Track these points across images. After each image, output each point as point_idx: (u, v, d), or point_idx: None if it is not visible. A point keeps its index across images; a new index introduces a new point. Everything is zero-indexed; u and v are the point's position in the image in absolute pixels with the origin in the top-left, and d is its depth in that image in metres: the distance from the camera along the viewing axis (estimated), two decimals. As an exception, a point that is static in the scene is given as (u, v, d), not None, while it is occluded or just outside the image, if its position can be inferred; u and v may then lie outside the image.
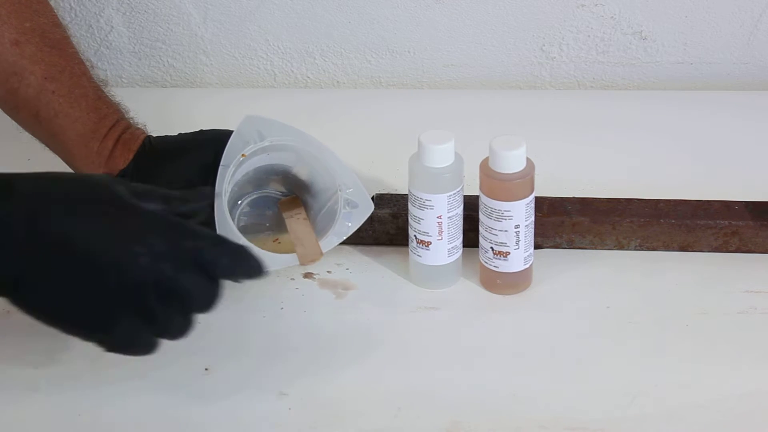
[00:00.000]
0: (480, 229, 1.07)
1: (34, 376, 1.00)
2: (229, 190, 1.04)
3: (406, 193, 1.08)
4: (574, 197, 1.15)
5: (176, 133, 1.14)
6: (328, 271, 1.12)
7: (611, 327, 1.05)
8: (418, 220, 1.07)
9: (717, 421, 0.95)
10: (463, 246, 1.09)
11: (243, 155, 1.04)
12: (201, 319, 1.05)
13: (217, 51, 1.44)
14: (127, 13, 1.42)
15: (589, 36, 1.41)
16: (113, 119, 1.12)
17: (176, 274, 0.86)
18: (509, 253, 1.06)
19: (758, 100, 1.39)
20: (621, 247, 1.14)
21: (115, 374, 1.00)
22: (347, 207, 1.04)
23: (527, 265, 1.08)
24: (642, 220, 1.13)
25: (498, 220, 1.05)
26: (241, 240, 1.01)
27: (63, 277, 0.86)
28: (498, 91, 1.44)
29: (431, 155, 1.04)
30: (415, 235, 1.08)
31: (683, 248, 1.13)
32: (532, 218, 1.06)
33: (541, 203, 1.11)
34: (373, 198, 1.15)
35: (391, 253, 1.13)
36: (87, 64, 1.13)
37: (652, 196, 1.15)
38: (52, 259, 0.85)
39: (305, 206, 1.07)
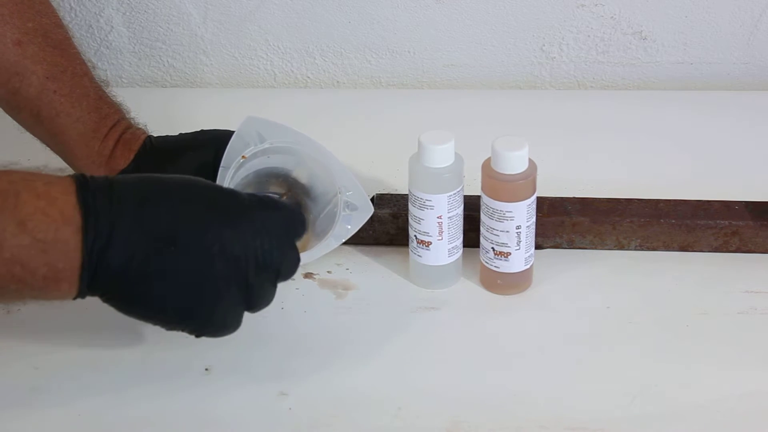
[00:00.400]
0: (481, 229, 1.08)
1: (34, 376, 1.00)
2: None
3: (406, 193, 1.08)
4: (574, 197, 1.15)
5: (177, 134, 1.14)
6: (328, 271, 1.12)
7: (611, 327, 1.05)
8: (419, 220, 1.07)
9: (717, 421, 0.95)
10: (464, 246, 1.09)
11: (243, 157, 1.04)
12: (201, 319, 1.05)
13: (217, 51, 1.44)
14: (127, 13, 1.42)
15: (589, 36, 1.41)
16: (114, 119, 1.12)
17: (272, 245, 0.90)
18: (510, 253, 1.06)
19: (758, 100, 1.40)
20: (621, 247, 1.14)
21: (115, 374, 1.00)
22: (347, 210, 1.04)
23: (528, 266, 1.08)
24: (642, 220, 1.13)
25: (499, 220, 1.05)
26: None
27: (171, 266, 0.87)
28: (498, 91, 1.44)
29: (431, 155, 1.04)
30: (415, 235, 1.08)
31: (683, 248, 1.13)
32: (534, 219, 1.06)
33: (541, 203, 1.11)
34: (373, 198, 1.15)
35: (391, 253, 1.13)
36: (88, 64, 1.13)
37: (652, 196, 1.15)
38: (159, 248, 0.86)
39: (305, 209, 1.07)
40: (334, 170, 1.04)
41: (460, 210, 1.07)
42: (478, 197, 1.07)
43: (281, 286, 1.09)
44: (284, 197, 1.07)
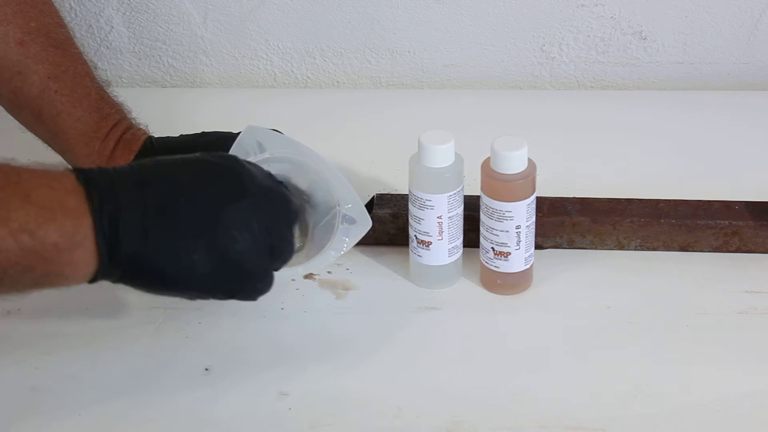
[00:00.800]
0: (481, 229, 1.08)
1: (34, 376, 1.00)
2: None
3: (407, 193, 1.08)
4: (574, 197, 1.15)
5: (177, 134, 1.14)
6: (329, 272, 1.12)
7: (611, 327, 1.05)
8: (419, 220, 1.07)
9: (717, 421, 0.95)
10: (464, 246, 1.09)
11: None
12: (201, 320, 1.05)
13: (217, 51, 1.44)
14: (127, 13, 1.42)
15: (589, 36, 1.41)
16: (115, 119, 1.12)
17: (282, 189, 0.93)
18: (510, 253, 1.06)
19: (758, 100, 1.40)
20: (621, 247, 1.14)
21: (115, 374, 1.00)
22: (344, 223, 1.04)
23: (528, 266, 1.08)
24: (642, 220, 1.13)
25: (499, 220, 1.05)
26: None
27: (185, 225, 0.86)
28: (498, 91, 1.44)
29: (431, 155, 1.04)
30: (415, 235, 1.08)
31: (683, 248, 1.13)
32: (533, 219, 1.06)
33: (541, 203, 1.11)
34: (373, 198, 1.15)
35: (391, 253, 1.13)
36: (90, 64, 1.14)
37: (652, 196, 1.15)
38: (169, 207, 0.86)
39: (307, 214, 1.07)
40: (334, 182, 1.04)
41: (460, 210, 1.07)
42: (478, 197, 1.07)
43: (280, 287, 1.09)
44: None
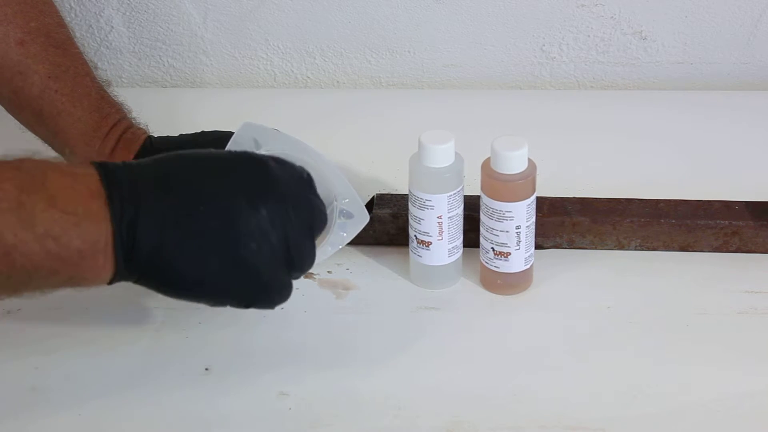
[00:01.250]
0: (481, 229, 1.08)
1: (34, 376, 1.00)
2: None
3: (407, 193, 1.08)
4: (574, 197, 1.15)
5: (177, 134, 1.14)
6: (329, 271, 1.12)
7: (611, 327, 1.05)
8: (419, 220, 1.07)
9: (717, 421, 0.95)
10: (464, 246, 1.09)
11: None
12: (201, 320, 1.05)
13: (217, 51, 1.44)
14: (127, 13, 1.42)
15: (589, 36, 1.41)
16: (115, 119, 1.12)
17: (302, 197, 0.91)
18: (510, 253, 1.06)
19: (758, 100, 1.40)
20: (621, 247, 1.14)
21: (116, 374, 1.00)
22: (342, 217, 1.03)
23: (528, 266, 1.08)
24: (642, 220, 1.13)
25: (499, 220, 1.05)
26: None
27: (203, 234, 0.86)
28: (498, 91, 1.44)
29: (431, 155, 1.04)
30: (415, 235, 1.08)
31: (683, 248, 1.13)
32: (533, 219, 1.06)
33: (541, 203, 1.11)
34: (373, 198, 1.15)
35: (391, 253, 1.13)
36: (90, 64, 1.14)
37: (652, 196, 1.15)
38: (188, 216, 0.85)
39: None
40: (331, 177, 1.04)
41: (460, 210, 1.07)
42: (478, 197, 1.07)
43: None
44: None
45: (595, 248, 1.14)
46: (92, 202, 0.83)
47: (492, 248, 1.07)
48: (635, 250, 1.14)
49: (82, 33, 1.42)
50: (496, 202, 1.05)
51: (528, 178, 1.04)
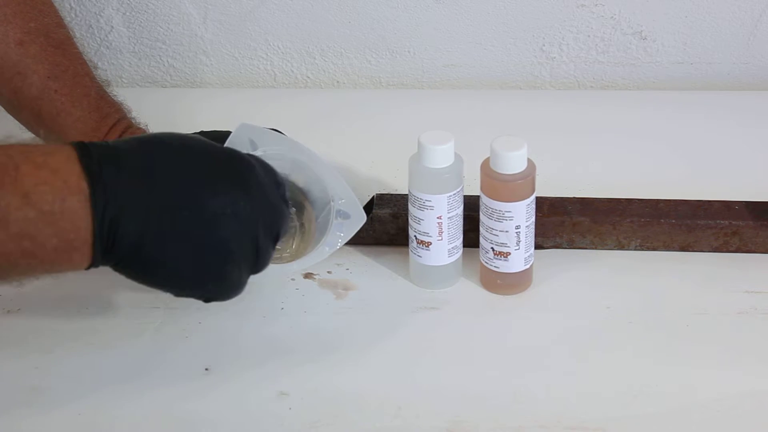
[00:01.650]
0: (480, 229, 1.08)
1: (34, 376, 1.00)
2: None
3: (406, 193, 1.08)
4: (574, 197, 1.15)
5: (176, 134, 1.14)
6: (329, 272, 1.12)
7: (611, 327, 1.05)
8: (418, 220, 1.07)
9: (717, 421, 0.95)
10: (464, 246, 1.09)
11: None
12: (201, 320, 1.05)
13: (217, 51, 1.44)
14: (127, 13, 1.42)
15: (589, 36, 1.41)
16: (114, 118, 1.12)
17: (274, 202, 0.91)
18: (510, 253, 1.06)
19: (758, 100, 1.40)
20: (621, 247, 1.14)
21: (115, 374, 1.00)
22: (339, 218, 1.03)
23: (528, 266, 1.08)
24: (642, 220, 1.13)
25: (499, 220, 1.05)
26: None
27: (187, 231, 0.86)
28: (498, 91, 1.44)
29: (431, 155, 1.04)
30: (415, 236, 1.08)
31: (683, 248, 1.13)
32: (533, 219, 1.06)
33: (541, 203, 1.11)
34: (373, 198, 1.15)
35: (391, 254, 1.13)
36: (90, 64, 1.14)
37: (652, 196, 1.15)
38: (173, 214, 0.86)
39: (305, 212, 1.07)
40: (327, 178, 1.03)
41: (460, 210, 1.07)
42: (478, 197, 1.07)
43: (280, 287, 1.09)
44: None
45: (595, 248, 1.14)
46: (70, 198, 0.82)
47: (492, 248, 1.07)
48: (635, 250, 1.14)
49: (82, 33, 1.42)
50: (495, 202, 1.05)
51: (527, 178, 1.04)
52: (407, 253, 1.10)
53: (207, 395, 0.98)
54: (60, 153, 0.84)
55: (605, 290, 1.09)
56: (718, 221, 1.12)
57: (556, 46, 1.42)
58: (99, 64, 1.40)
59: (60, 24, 1.12)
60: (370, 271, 1.12)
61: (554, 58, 1.43)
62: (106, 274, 0.89)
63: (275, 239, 0.93)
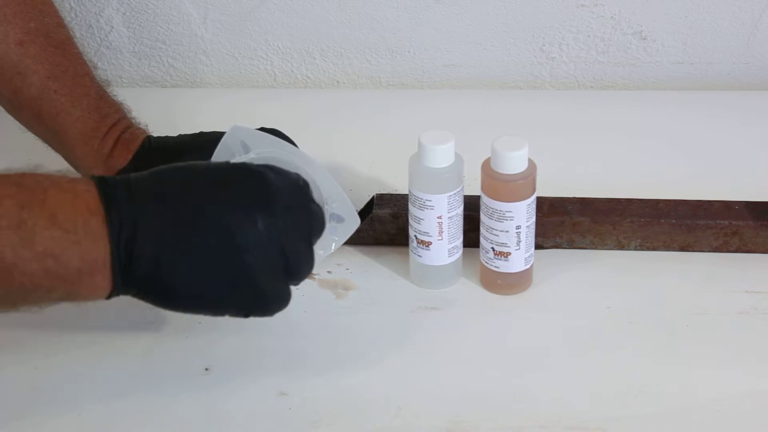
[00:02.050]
0: (481, 229, 1.08)
1: (34, 376, 1.00)
2: None
3: (406, 193, 1.08)
4: (574, 197, 1.15)
5: (176, 134, 1.14)
6: (329, 272, 1.12)
7: (611, 327, 1.05)
8: (419, 220, 1.07)
9: (717, 421, 0.95)
10: (464, 246, 1.09)
11: None
12: (201, 320, 1.05)
13: (217, 51, 1.44)
14: (127, 13, 1.42)
15: (589, 36, 1.41)
16: (114, 119, 1.12)
17: (298, 205, 0.90)
18: (510, 253, 1.06)
19: (758, 100, 1.40)
20: (621, 247, 1.14)
21: (116, 374, 1.00)
22: (332, 221, 1.03)
23: (528, 266, 1.08)
24: (642, 220, 1.13)
25: (499, 220, 1.05)
26: None
27: (201, 251, 0.86)
28: (498, 91, 1.44)
29: (431, 155, 1.04)
30: (415, 235, 1.08)
31: (683, 248, 1.13)
32: (534, 219, 1.06)
33: (541, 203, 1.11)
34: (373, 198, 1.15)
35: (391, 253, 1.13)
36: (90, 64, 1.14)
37: (652, 196, 1.15)
38: (187, 235, 0.85)
39: None
40: (320, 181, 1.03)
41: (460, 210, 1.07)
42: (478, 197, 1.07)
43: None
44: None
45: (595, 248, 1.14)
46: (91, 220, 0.83)
47: (492, 248, 1.07)
48: (635, 250, 1.14)
49: (82, 33, 1.42)
50: (496, 202, 1.05)
51: (528, 178, 1.04)
52: (407, 253, 1.10)
53: (207, 395, 0.98)
54: (82, 181, 0.86)
55: (605, 290, 1.09)
56: (718, 221, 1.12)
57: (556, 46, 1.42)
58: (99, 64, 1.40)
59: (60, 24, 1.12)
60: (370, 271, 1.12)
61: (554, 58, 1.43)
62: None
63: (308, 239, 0.90)
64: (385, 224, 1.14)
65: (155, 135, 1.14)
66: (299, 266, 0.90)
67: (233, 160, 1.01)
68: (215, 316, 0.90)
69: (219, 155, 1.02)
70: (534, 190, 1.05)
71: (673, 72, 1.43)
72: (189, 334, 1.04)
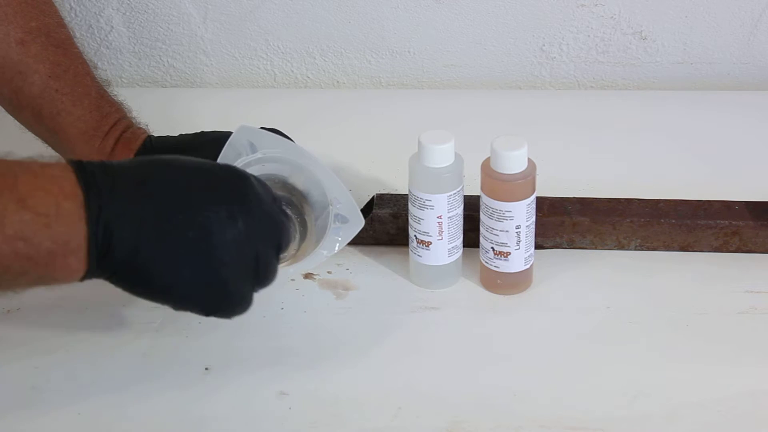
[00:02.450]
0: (481, 229, 1.08)
1: (34, 376, 1.00)
2: None
3: (406, 193, 1.08)
4: (574, 197, 1.15)
5: (177, 134, 1.14)
6: (329, 272, 1.12)
7: (611, 327, 1.05)
8: (419, 220, 1.07)
9: (717, 421, 0.95)
10: (464, 246, 1.09)
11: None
12: (201, 320, 1.05)
13: (217, 51, 1.44)
14: (127, 13, 1.42)
15: (589, 36, 1.41)
16: (115, 118, 1.12)
17: (272, 212, 0.91)
18: (510, 253, 1.06)
19: (758, 100, 1.40)
20: (621, 247, 1.14)
21: (115, 374, 1.00)
22: (337, 222, 1.03)
23: (528, 266, 1.08)
24: (642, 220, 1.13)
25: (499, 220, 1.05)
26: None
27: (179, 241, 0.86)
28: (498, 91, 1.44)
29: (431, 155, 1.04)
30: (415, 235, 1.08)
31: (683, 248, 1.13)
32: (533, 218, 1.06)
33: (541, 203, 1.11)
34: (373, 198, 1.15)
35: (391, 253, 1.14)
36: (90, 64, 1.14)
37: (652, 196, 1.15)
38: (166, 223, 0.85)
39: (305, 214, 1.07)
40: (325, 181, 1.03)
41: (460, 210, 1.07)
42: (478, 197, 1.07)
43: (280, 287, 1.09)
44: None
45: (595, 248, 1.14)
46: (65, 203, 0.83)
47: (492, 248, 1.07)
48: (635, 250, 1.14)
49: (82, 33, 1.42)
50: (496, 201, 1.05)
51: (528, 178, 1.04)
52: (407, 253, 1.10)
53: (207, 395, 0.98)
54: (56, 165, 0.85)
55: (605, 290, 1.09)
56: (718, 221, 1.12)
57: (556, 46, 1.42)
58: (99, 64, 1.40)
59: (61, 24, 1.12)
60: (370, 271, 1.12)
61: (554, 58, 1.43)
62: (106, 273, 0.89)
63: (277, 251, 0.92)
64: (385, 224, 1.14)
65: (156, 135, 1.14)
66: (267, 273, 0.91)
67: (239, 160, 1.01)
68: (177, 310, 0.90)
69: (226, 155, 1.02)
70: (534, 190, 1.05)
71: (673, 72, 1.43)
72: (189, 334, 1.04)
